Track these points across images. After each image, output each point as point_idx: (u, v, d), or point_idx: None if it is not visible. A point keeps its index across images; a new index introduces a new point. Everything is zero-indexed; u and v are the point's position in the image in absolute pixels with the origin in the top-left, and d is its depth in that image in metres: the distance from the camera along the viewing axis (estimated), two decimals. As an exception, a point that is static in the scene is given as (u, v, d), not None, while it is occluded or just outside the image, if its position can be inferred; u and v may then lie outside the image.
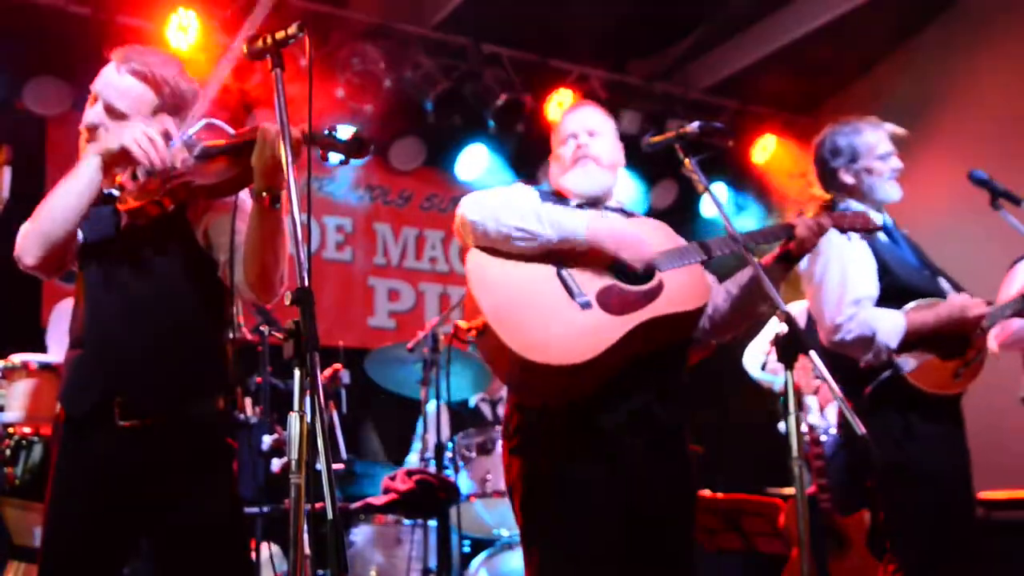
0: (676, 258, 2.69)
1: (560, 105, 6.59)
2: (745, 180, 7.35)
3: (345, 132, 2.26)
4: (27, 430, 3.52)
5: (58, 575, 2.38)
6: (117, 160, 2.38)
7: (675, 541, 2.67)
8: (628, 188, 6.86)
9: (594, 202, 2.84)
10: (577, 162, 2.84)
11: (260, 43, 2.22)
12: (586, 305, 2.56)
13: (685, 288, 2.64)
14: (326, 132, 2.23)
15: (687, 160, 2.80)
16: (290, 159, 2.06)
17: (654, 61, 7.26)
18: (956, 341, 3.22)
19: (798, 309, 4.96)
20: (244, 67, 5.57)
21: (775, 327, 4.98)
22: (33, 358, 3.55)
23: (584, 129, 2.88)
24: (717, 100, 7.41)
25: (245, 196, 2.46)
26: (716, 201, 2.79)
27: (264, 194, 2.28)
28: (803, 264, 3.31)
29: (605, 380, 2.53)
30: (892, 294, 3.23)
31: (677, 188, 7.32)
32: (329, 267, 6.77)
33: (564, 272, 2.62)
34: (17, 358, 3.54)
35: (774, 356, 4.86)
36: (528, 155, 6.91)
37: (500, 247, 2.61)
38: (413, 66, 6.39)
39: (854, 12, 6.44)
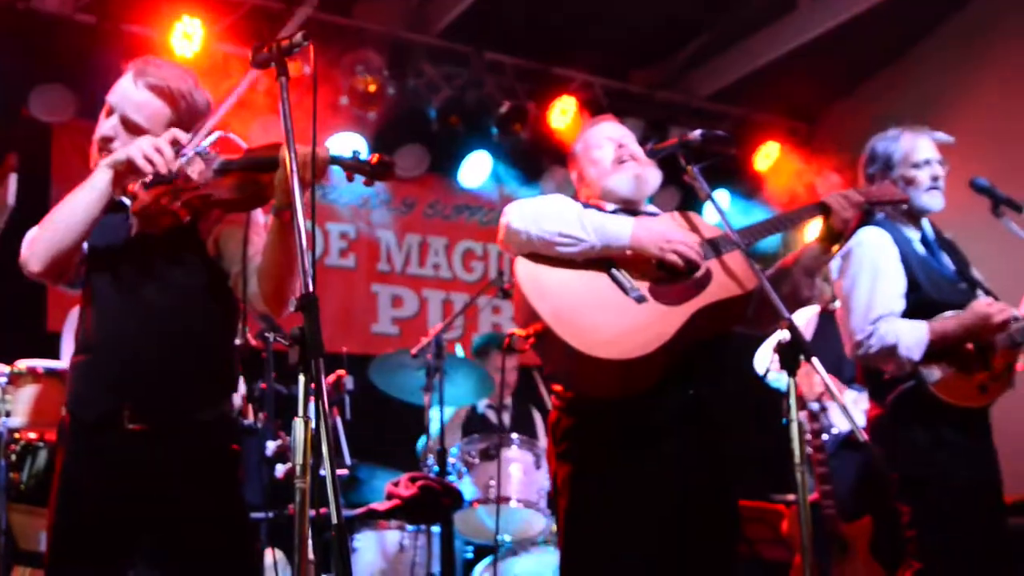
0: (720, 246, 2.75)
1: (563, 113, 6.61)
2: (747, 187, 7.36)
3: (369, 154, 2.29)
4: (32, 435, 3.52)
5: (64, 576, 2.40)
6: (128, 172, 2.38)
7: (720, 532, 2.73)
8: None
9: (630, 206, 2.89)
10: (621, 163, 2.89)
11: (265, 51, 2.24)
12: (641, 299, 2.62)
13: (734, 273, 2.71)
14: (351, 155, 2.26)
15: (689, 168, 2.83)
16: (294, 166, 2.07)
17: (656, 69, 7.28)
18: (980, 354, 3.22)
19: (804, 318, 4.97)
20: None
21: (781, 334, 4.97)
22: (39, 363, 3.55)
23: (618, 134, 2.94)
24: (719, 107, 7.43)
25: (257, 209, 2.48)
26: (719, 208, 2.80)
27: (286, 210, 2.28)
28: (834, 272, 3.38)
29: (665, 370, 2.58)
30: (921, 309, 3.23)
31: (679, 195, 7.32)
32: (332, 274, 6.78)
33: (614, 270, 2.67)
34: (23, 364, 3.55)
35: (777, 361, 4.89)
36: (531, 162, 6.93)
37: (544, 252, 2.65)
38: (416, 74, 6.42)
39: (856, 20, 6.46)
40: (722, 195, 7.30)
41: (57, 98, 5.55)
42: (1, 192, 4.04)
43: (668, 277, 2.67)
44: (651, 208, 2.99)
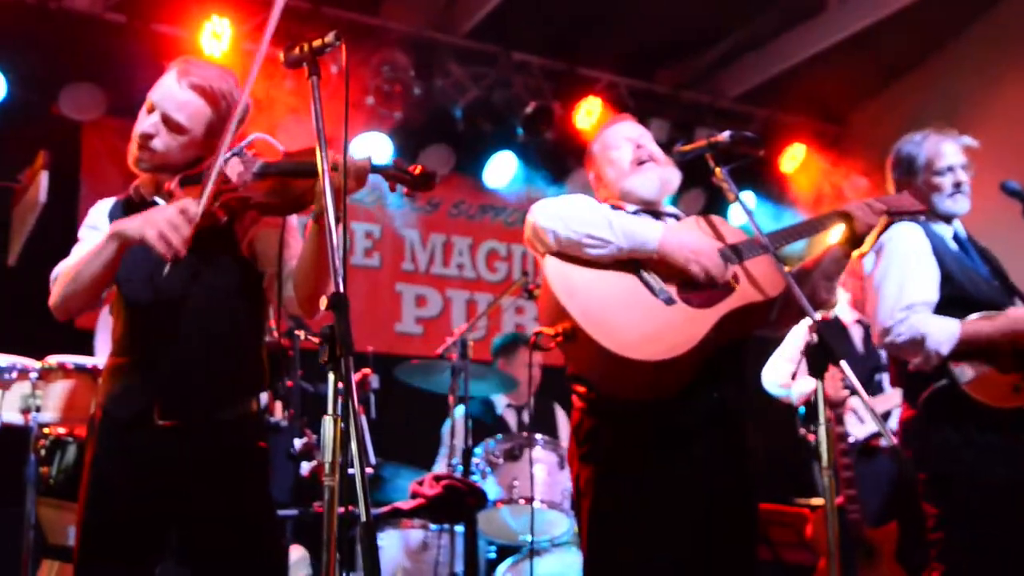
0: (743, 252, 2.75)
1: (589, 113, 6.61)
2: (774, 189, 7.33)
3: (411, 165, 2.30)
4: (62, 431, 3.55)
5: (93, 571, 2.41)
6: (137, 245, 2.34)
7: (745, 534, 2.73)
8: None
9: (650, 207, 2.88)
10: (641, 164, 2.89)
11: (297, 51, 2.25)
12: (670, 301, 2.63)
13: (761, 277, 2.72)
14: (393, 164, 2.27)
15: (718, 169, 2.82)
16: (325, 167, 2.08)
17: (682, 70, 7.26)
18: (1014, 355, 3.19)
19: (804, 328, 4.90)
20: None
21: (793, 341, 4.96)
22: (69, 359, 3.58)
23: (635, 134, 2.94)
24: (746, 108, 7.40)
25: None
26: (747, 210, 2.80)
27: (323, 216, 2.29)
28: (867, 266, 3.38)
29: (693, 373, 2.58)
30: (954, 304, 3.22)
31: (705, 197, 7.30)
32: (357, 273, 6.81)
33: (643, 271, 2.67)
34: (54, 359, 3.58)
35: (787, 369, 4.86)
36: (556, 163, 6.93)
37: (570, 252, 2.65)
38: (443, 74, 6.43)
39: (885, 21, 6.42)
40: (748, 197, 7.28)
41: (87, 96, 5.60)
42: (32, 190, 4.09)
43: (695, 281, 2.67)
44: (671, 209, 2.99)
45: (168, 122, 2.49)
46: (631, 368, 2.52)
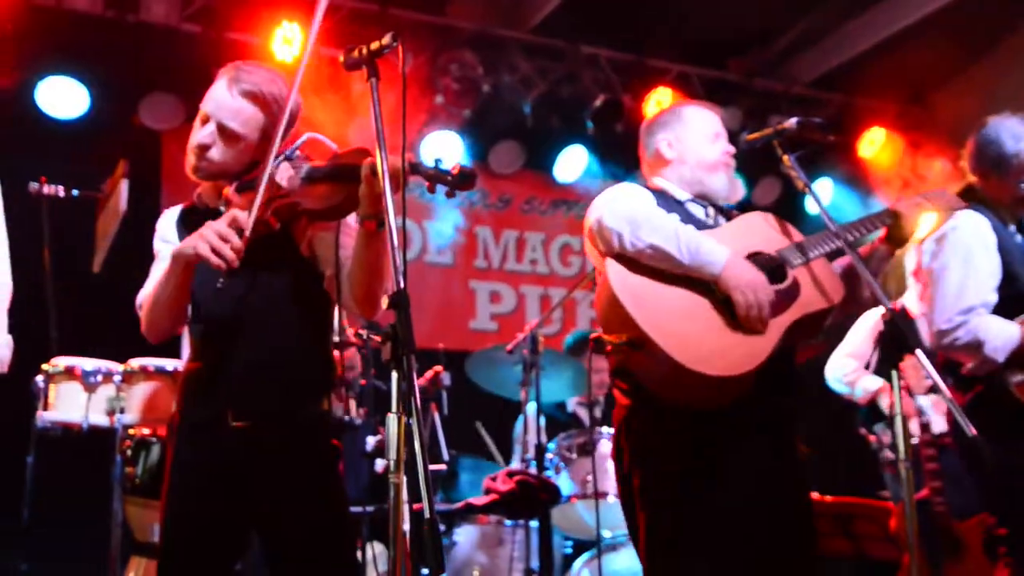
0: (808, 249, 2.71)
1: (659, 104, 6.54)
2: (853, 174, 7.16)
3: (450, 164, 2.25)
4: (146, 431, 3.67)
5: (176, 569, 2.48)
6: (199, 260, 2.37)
7: (806, 536, 2.69)
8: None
9: (705, 199, 2.87)
10: (727, 166, 2.89)
11: (356, 53, 2.27)
12: (735, 313, 2.57)
13: (821, 284, 2.68)
14: (433, 164, 2.25)
15: (785, 157, 2.78)
16: (386, 169, 2.10)
17: (755, 57, 7.14)
18: None
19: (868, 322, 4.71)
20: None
21: (855, 336, 4.76)
22: (151, 362, 3.69)
23: (724, 133, 2.92)
24: (821, 94, 7.24)
25: None
26: (816, 198, 2.76)
27: (370, 220, 2.30)
28: (926, 254, 3.23)
29: (754, 380, 2.55)
30: (1017, 303, 3.08)
31: (780, 185, 7.18)
32: (431, 271, 6.87)
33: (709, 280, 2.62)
34: (136, 363, 3.70)
35: (851, 365, 4.69)
36: (628, 155, 6.86)
37: (634, 258, 2.61)
38: (511, 70, 6.44)
39: (960, 1, 6.21)
40: (824, 184, 7.13)
41: (166, 106, 5.77)
42: (114, 199, 4.22)
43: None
44: (723, 203, 2.95)
45: (223, 131, 2.52)
46: (698, 380, 2.47)
